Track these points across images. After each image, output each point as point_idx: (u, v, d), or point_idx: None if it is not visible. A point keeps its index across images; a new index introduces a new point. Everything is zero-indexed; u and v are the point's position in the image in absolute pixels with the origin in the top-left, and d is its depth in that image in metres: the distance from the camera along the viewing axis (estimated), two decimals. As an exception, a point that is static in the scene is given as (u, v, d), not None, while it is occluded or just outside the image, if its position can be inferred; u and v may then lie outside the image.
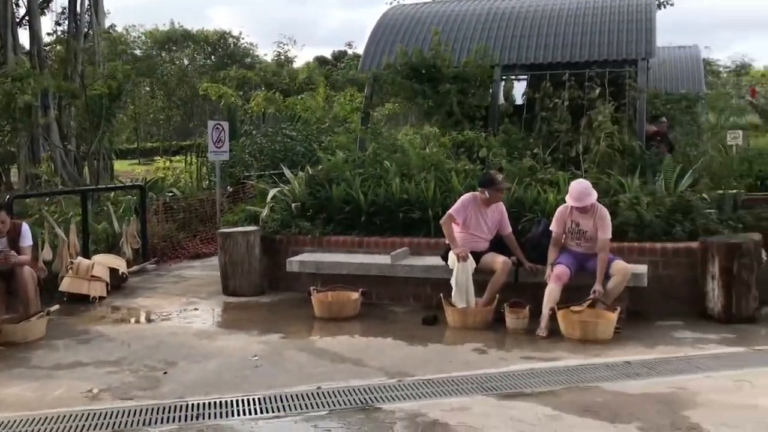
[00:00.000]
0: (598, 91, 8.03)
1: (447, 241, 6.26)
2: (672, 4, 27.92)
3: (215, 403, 4.25)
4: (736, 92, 36.80)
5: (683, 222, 6.60)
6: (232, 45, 45.50)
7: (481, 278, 6.16)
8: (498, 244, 6.38)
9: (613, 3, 9.10)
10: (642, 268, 6.10)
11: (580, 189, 5.88)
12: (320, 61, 45.33)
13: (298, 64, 45.07)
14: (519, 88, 9.33)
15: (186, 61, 42.55)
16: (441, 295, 6.17)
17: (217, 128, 9.73)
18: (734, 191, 8.93)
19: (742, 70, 49.00)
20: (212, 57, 44.77)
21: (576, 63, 8.63)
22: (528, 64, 8.88)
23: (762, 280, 6.17)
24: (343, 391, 4.40)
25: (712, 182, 8.39)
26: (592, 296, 5.70)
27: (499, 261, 6.11)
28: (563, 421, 3.87)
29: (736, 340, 5.49)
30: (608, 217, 5.97)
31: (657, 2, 27.81)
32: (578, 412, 3.98)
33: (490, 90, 8.97)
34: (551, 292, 5.81)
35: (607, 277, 5.79)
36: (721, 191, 8.49)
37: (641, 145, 8.03)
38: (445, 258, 6.32)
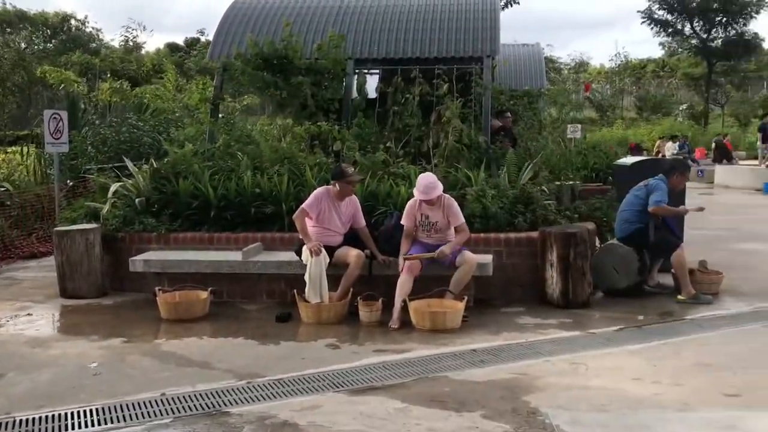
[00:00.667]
0: (446, 87, 8.24)
1: (300, 236, 6.19)
2: (518, 3, 29.26)
3: (48, 417, 3.94)
4: (575, 88, 39.52)
5: (525, 213, 6.95)
6: (75, 29, 42.66)
7: (336, 272, 6.15)
8: (352, 238, 6.39)
9: (461, 2, 9.39)
10: (487, 258, 6.35)
11: (426, 183, 6.01)
12: (171, 48, 43.56)
13: (147, 50, 43.03)
14: (372, 83, 9.41)
15: (23, 45, 39.39)
16: (295, 291, 6.11)
17: (55, 118, 9.05)
18: (571, 182, 9.53)
19: (580, 67, 52.63)
20: (53, 41, 41.76)
21: (426, 59, 8.83)
22: (380, 59, 8.97)
23: (595, 266, 6.64)
24: (189, 396, 4.23)
25: (551, 174, 8.90)
26: (435, 254, 5.87)
27: (352, 254, 6.13)
28: (411, 413, 3.93)
29: (572, 324, 5.84)
30: (456, 205, 6.16)
31: (503, 1, 29.25)
32: (426, 403, 4.06)
33: (344, 83, 8.97)
34: (403, 284, 5.92)
35: (454, 267, 5.97)
36: (559, 183, 9.02)
37: (487, 140, 8.36)
38: (298, 253, 6.25)
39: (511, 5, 29.42)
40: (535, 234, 6.66)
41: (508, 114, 10.87)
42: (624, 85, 45.32)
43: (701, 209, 7.16)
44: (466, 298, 5.87)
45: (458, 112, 8.12)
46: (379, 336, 5.58)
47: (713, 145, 24.41)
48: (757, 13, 34.23)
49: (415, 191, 6.10)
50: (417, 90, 8.37)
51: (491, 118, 9.19)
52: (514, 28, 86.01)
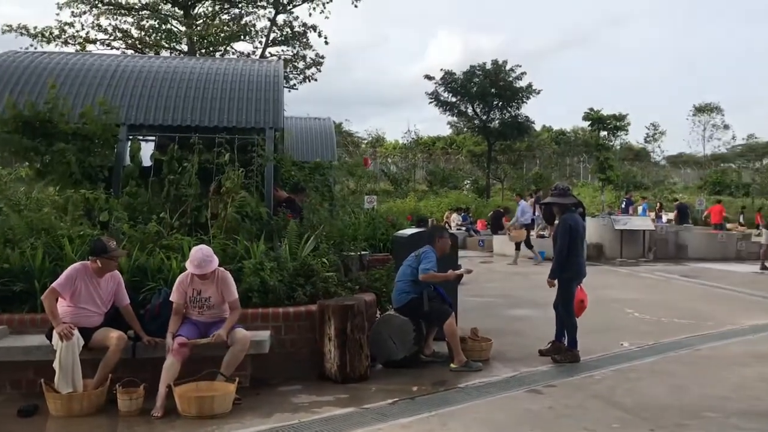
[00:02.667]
0: (227, 156, 8.02)
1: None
2: (315, 80, 30.11)
3: None
4: (372, 161, 41.08)
5: (305, 286, 6.82)
6: None
7: (96, 357, 5.55)
8: (114, 318, 5.84)
9: (243, 72, 9.32)
10: (264, 335, 6.09)
11: (201, 256, 5.68)
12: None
13: None
14: (148, 150, 8.92)
15: None
16: (42, 380, 5.39)
17: None
18: (361, 252, 9.62)
19: (377, 142, 55.17)
20: None
21: (206, 127, 8.56)
22: (156, 125, 8.55)
23: (373, 338, 6.64)
24: None
25: (340, 245, 8.92)
26: (211, 339, 5.53)
27: (113, 337, 5.58)
28: None
29: (348, 400, 5.71)
30: (231, 279, 5.89)
31: (300, 76, 29.96)
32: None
33: (115, 150, 8.41)
34: (170, 367, 5.46)
35: (226, 347, 5.64)
36: (346, 253, 9.04)
37: (269, 211, 8.20)
38: (49, 337, 5.57)
39: (309, 81, 30.27)
40: (314, 307, 6.53)
41: (302, 185, 10.86)
42: (416, 160, 48.03)
43: (469, 271, 7.48)
44: (237, 379, 5.54)
45: (240, 182, 7.90)
46: (139, 427, 5.05)
47: (491, 214, 26.26)
48: (528, 99, 38.15)
49: (188, 264, 5.74)
50: (196, 158, 8.04)
51: (276, 189, 9.08)
52: (312, 101, 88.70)
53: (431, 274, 6.75)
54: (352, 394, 5.87)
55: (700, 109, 68.29)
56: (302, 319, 6.54)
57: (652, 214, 26.57)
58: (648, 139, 63.87)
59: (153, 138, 9.08)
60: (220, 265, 5.90)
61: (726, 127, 69.33)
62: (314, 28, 28.56)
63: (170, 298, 5.84)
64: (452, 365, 6.65)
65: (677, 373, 6.55)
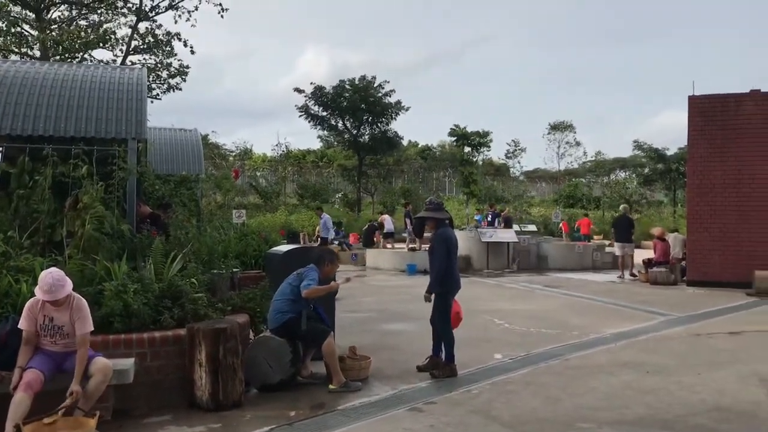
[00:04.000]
0: (85, 168, 7.41)
1: None
2: (180, 89, 29.03)
3: None
4: (241, 174, 40.13)
5: (172, 308, 6.38)
6: None
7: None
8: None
9: (103, 79, 8.67)
10: (127, 363, 5.61)
11: (50, 281, 5.13)
12: None
13: None
14: (-5, 162, 8.09)
15: None
16: None
17: None
18: (230, 271, 9.19)
19: (245, 154, 54.05)
20: None
21: (61, 138, 7.88)
22: (3, 135, 7.76)
23: (248, 361, 6.31)
24: None
25: (207, 264, 8.47)
26: (68, 400, 4.96)
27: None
28: None
29: (221, 429, 5.38)
30: (86, 308, 5.34)
31: (164, 85, 28.77)
32: None
33: (-46, 162, 7.56)
34: (18, 404, 4.88)
35: (86, 377, 5.13)
36: (215, 272, 8.61)
37: (131, 228, 7.66)
38: None
39: (174, 90, 29.13)
40: (182, 331, 6.12)
41: (171, 204, 10.28)
42: (286, 173, 47.51)
43: (348, 279, 7.36)
44: (98, 413, 5.04)
45: (99, 197, 7.31)
46: (-21, 475, 4.46)
47: (365, 228, 26.37)
48: (397, 115, 38.87)
49: (37, 290, 5.17)
50: (49, 171, 7.37)
51: (140, 204, 8.51)
52: (178, 112, 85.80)
53: (314, 288, 6.54)
54: (225, 423, 5.53)
55: (555, 127, 72.48)
56: (170, 345, 6.10)
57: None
58: (509, 155, 66.87)
59: (-1, 149, 8.27)
60: (75, 289, 5.37)
61: (578, 144, 74.04)
62: (179, 36, 27.58)
63: (19, 326, 5.24)
64: (331, 386, 6.45)
65: (550, 384, 6.71)
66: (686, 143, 16.78)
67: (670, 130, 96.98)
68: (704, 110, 15.99)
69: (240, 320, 6.52)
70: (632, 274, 17.72)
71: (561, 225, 29.44)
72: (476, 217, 29.70)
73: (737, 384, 6.66)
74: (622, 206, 21.73)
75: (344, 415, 5.76)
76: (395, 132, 39.70)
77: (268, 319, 6.77)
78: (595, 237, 29.38)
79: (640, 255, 18.83)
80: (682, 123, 16.43)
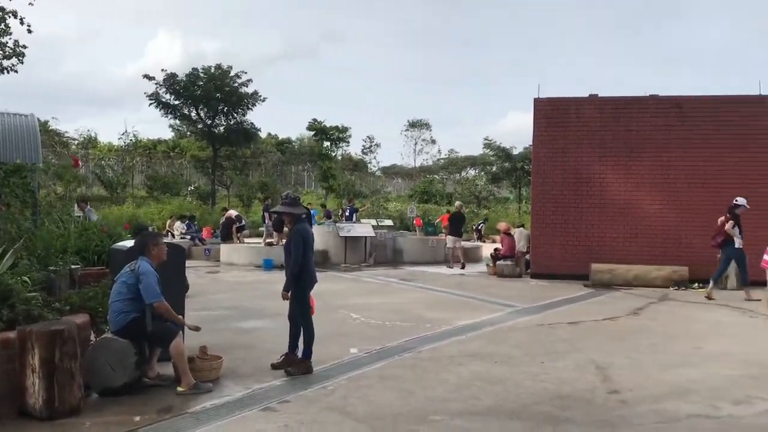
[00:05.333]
0: None
1: None
2: (16, 71, 26.67)
3: None
4: (83, 163, 37.69)
5: (1, 310, 5.82)
6: None
7: None
8: None
9: None
10: (-56, 372, 5.03)
11: None
12: None
13: None
14: None
15: None
16: None
17: None
18: (70, 267, 8.55)
19: (89, 143, 50.79)
20: None
21: None
22: None
23: (88, 365, 5.87)
24: None
25: (42, 260, 7.83)
26: None
27: None
28: None
29: (55, 440, 4.95)
30: None
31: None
32: None
33: None
34: None
35: None
36: (53, 268, 7.98)
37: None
38: None
39: (8, 72, 26.74)
40: (12, 334, 5.57)
41: (2, 197, 9.37)
42: (135, 164, 45.19)
43: (197, 329, 6.83)
44: None
45: None
46: None
47: (222, 220, 25.57)
48: (254, 105, 38.03)
49: None
50: None
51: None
52: (13, 96, 79.27)
53: (165, 305, 6.18)
54: (62, 432, 5.10)
55: (413, 125, 74.32)
56: (-2, 349, 5.55)
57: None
58: (365, 151, 67.74)
59: None
60: None
61: (433, 141, 76.40)
62: (14, 13, 25.33)
63: None
64: (179, 388, 6.14)
65: (404, 377, 6.80)
66: (531, 143, 17.73)
67: (517, 131, 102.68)
68: (548, 112, 16.95)
69: (79, 321, 6.05)
70: (462, 266, 19.04)
71: (415, 220, 30.26)
72: (312, 211, 29.82)
73: (576, 372, 7.07)
74: (456, 203, 23.06)
75: (194, 417, 5.50)
76: (252, 123, 38.86)
77: (110, 322, 6.32)
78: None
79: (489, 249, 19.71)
80: (529, 124, 17.36)
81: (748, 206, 13.36)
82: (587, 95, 17.07)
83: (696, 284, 14.84)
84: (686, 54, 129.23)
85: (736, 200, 13.47)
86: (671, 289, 14.80)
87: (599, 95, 16.97)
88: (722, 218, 13.40)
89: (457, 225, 20.01)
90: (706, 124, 16.15)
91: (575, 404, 5.89)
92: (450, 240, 20.07)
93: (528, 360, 7.61)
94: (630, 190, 16.41)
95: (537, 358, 7.72)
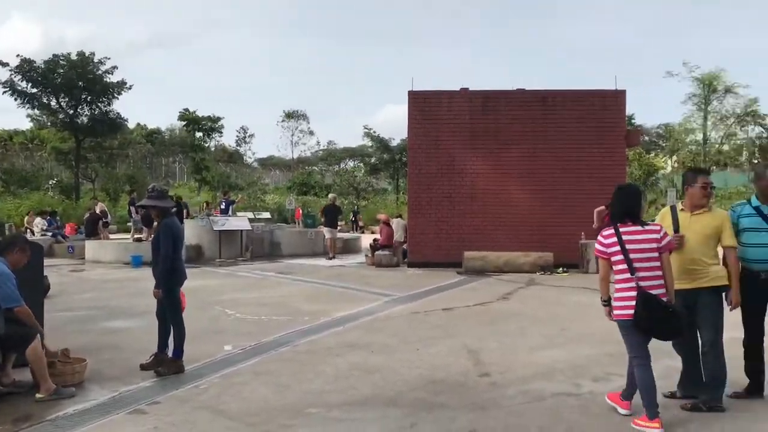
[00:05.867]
0: None
1: None
2: None
3: None
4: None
5: None
6: None
7: None
8: None
9: None
10: None
11: None
12: None
13: None
14: None
15: None
16: None
17: None
18: None
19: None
20: None
21: None
22: None
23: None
24: None
25: None
26: None
27: None
28: None
29: None
30: None
31: None
32: None
33: None
34: None
35: None
36: None
37: None
38: None
39: None
40: None
41: None
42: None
43: (66, 353, 6.43)
44: None
45: None
46: None
47: (86, 215, 24.22)
48: (120, 94, 36.22)
49: None
50: None
51: None
52: None
53: (27, 310, 5.73)
54: None
55: (289, 116, 73.56)
56: None
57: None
58: (239, 142, 66.41)
59: None
60: None
61: (311, 133, 75.99)
62: None
63: None
64: (38, 395, 5.73)
65: (280, 371, 6.70)
66: (407, 135, 18.04)
67: (395, 123, 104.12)
68: (422, 105, 17.29)
69: None
70: (332, 257, 19.53)
71: (295, 212, 30.07)
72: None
73: (450, 357, 7.26)
74: (330, 195, 23.38)
75: (55, 425, 5.15)
76: (118, 113, 37.10)
77: (-43, 325, 5.81)
78: (339, 224, 30.69)
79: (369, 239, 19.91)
80: (405, 116, 17.60)
81: None
82: (458, 89, 17.55)
83: (560, 269, 15.67)
84: (553, 49, 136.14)
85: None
86: (538, 274, 15.55)
87: (470, 89, 17.50)
88: (602, 207, 14.33)
89: (332, 217, 20.22)
90: (569, 116, 17.06)
91: (449, 389, 6.03)
92: (326, 231, 20.29)
93: (404, 348, 7.72)
94: (499, 180, 17.06)
95: (413, 345, 7.85)
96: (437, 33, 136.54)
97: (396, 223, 19.13)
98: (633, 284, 4.87)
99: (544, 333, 8.59)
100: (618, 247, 4.95)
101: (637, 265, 4.88)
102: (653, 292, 4.83)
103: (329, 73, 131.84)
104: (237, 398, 5.81)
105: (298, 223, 27.95)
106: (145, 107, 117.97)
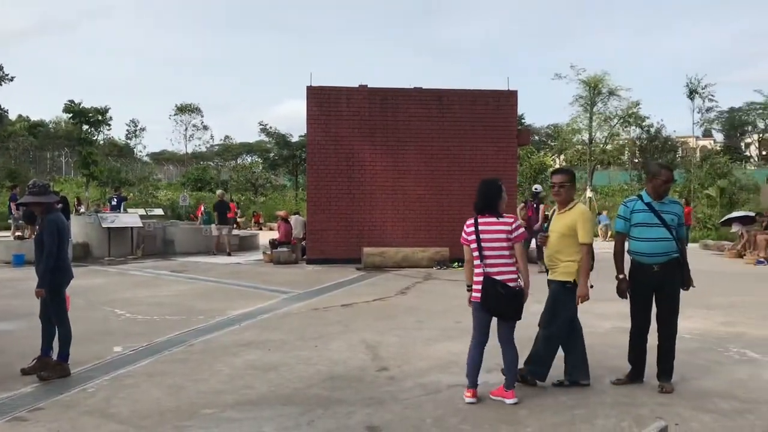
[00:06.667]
0: None
1: None
2: None
3: None
4: None
5: None
6: None
7: None
8: None
9: None
10: None
11: None
12: None
13: None
14: None
15: None
16: None
17: None
18: None
19: None
20: None
21: None
22: None
23: None
24: None
25: None
26: None
27: None
28: None
29: None
30: None
31: None
32: None
33: None
34: None
35: None
36: None
37: None
38: None
39: None
40: None
41: None
42: None
43: None
44: None
45: None
46: None
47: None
48: (-1, 84, 34.09)
49: None
50: None
51: None
52: None
53: None
54: None
55: (182, 109, 71.36)
56: None
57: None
58: (130, 136, 63.80)
59: None
60: None
61: (206, 127, 73.86)
62: None
63: None
64: None
65: (173, 372, 6.50)
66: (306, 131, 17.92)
67: (294, 118, 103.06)
68: (321, 100, 17.22)
69: None
70: (228, 253, 19.50)
71: (197, 209, 29.47)
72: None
73: (348, 352, 7.28)
74: (218, 191, 23.35)
75: None
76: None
77: None
78: (239, 220, 30.70)
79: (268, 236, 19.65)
80: (305, 111, 17.46)
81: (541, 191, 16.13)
82: (357, 86, 17.60)
83: (456, 263, 16.05)
84: (451, 49, 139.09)
85: (535, 188, 16.52)
86: (435, 268, 15.87)
87: (369, 86, 17.59)
88: (522, 204, 15.85)
89: (222, 213, 20.01)
90: (464, 115, 17.47)
91: (347, 384, 6.05)
92: (215, 228, 20.11)
93: (302, 344, 7.68)
94: (398, 176, 17.26)
95: (311, 342, 7.82)
96: (336, 29, 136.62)
97: (294, 220, 18.99)
98: (481, 270, 5.41)
99: (440, 326, 8.77)
100: (474, 236, 5.44)
101: (486, 253, 5.39)
102: (499, 278, 5.34)
103: (225, 66, 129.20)
104: (127, 401, 5.59)
105: (200, 220, 27.38)
106: (29, 98, 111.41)
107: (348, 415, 5.19)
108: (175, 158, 76.88)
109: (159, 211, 28.09)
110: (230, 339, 8.04)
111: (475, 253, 5.46)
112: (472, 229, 5.49)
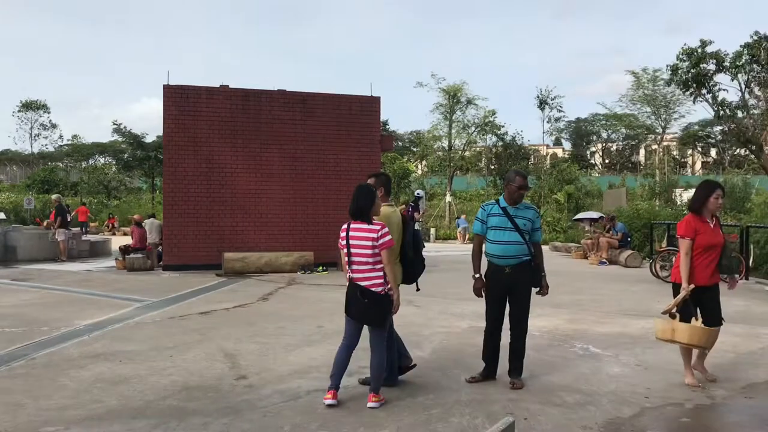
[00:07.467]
0: None
1: None
2: None
3: None
4: None
5: None
6: None
7: None
8: None
9: None
10: None
11: None
12: None
13: None
14: None
15: None
16: None
17: None
18: None
19: None
20: None
21: None
22: None
23: None
24: None
25: None
26: None
27: None
28: None
29: None
30: None
31: None
32: None
33: None
34: None
35: None
36: None
37: None
38: None
39: None
40: None
41: None
42: None
43: None
44: None
45: None
46: None
47: None
48: None
49: None
50: None
51: None
52: None
53: None
54: None
55: (27, 106, 66.55)
56: None
57: None
58: (-31, 133, 58.73)
59: None
60: None
61: (54, 126, 69.28)
62: None
63: None
64: None
65: (12, 389, 5.99)
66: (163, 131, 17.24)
67: (151, 118, 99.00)
68: (179, 100, 16.63)
69: None
70: (62, 260, 18.84)
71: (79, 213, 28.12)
72: None
73: (205, 361, 7.04)
74: (53, 196, 22.67)
75: None
76: None
77: None
78: (91, 224, 29.39)
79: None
80: (161, 111, 16.77)
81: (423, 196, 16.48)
82: (218, 85, 17.17)
83: (321, 267, 16.03)
84: (317, 53, 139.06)
85: (417, 193, 16.62)
86: (299, 273, 15.76)
87: (230, 86, 17.21)
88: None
89: (63, 217, 19.05)
90: (328, 119, 17.51)
91: (203, 394, 5.84)
92: (60, 233, 19.15)
93: (156, 355, 7.34)
94: (261, 180, 17.00)
95: (166, 352, 7.49)
96: (196, 28, 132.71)
97: (150, 224, 18.20)
98: (348, 275, 5.50)
99: (302, 332, 8.70)
100: (345, 242, 5.48)
101: (353, 258, 5.45)
102: (363, 283, 5.40)
103: (75, 62, 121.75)
104: (-45, 424, 5.09)
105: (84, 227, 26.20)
106: None
107: (204, 426, 5.00)
108: (19, 158, 71.57)
109: (1, 215, 25.93)
110: (77, 351, 7.53)
111: (345, 258, 5.49)
112: (345, 234, 5.52)
